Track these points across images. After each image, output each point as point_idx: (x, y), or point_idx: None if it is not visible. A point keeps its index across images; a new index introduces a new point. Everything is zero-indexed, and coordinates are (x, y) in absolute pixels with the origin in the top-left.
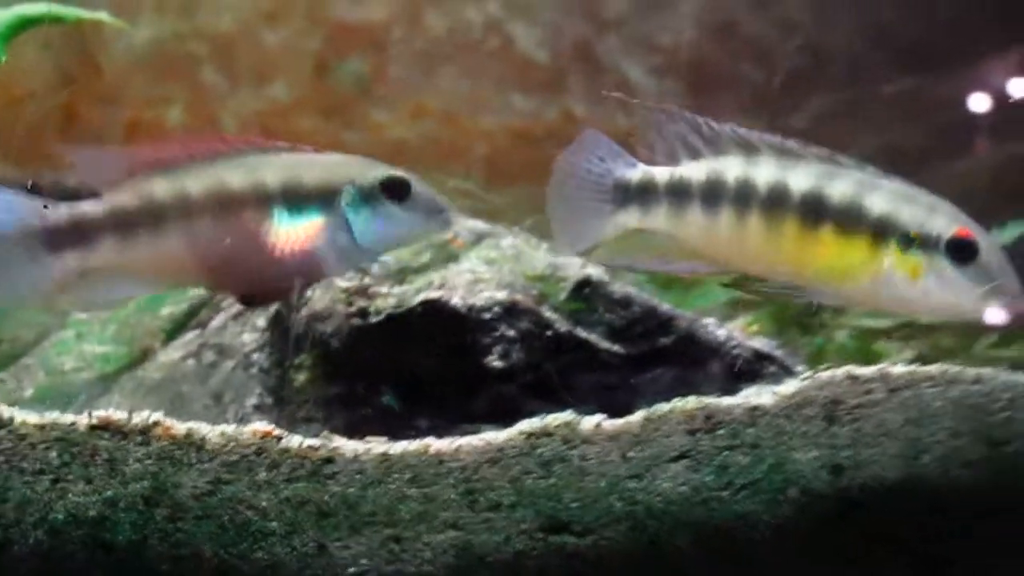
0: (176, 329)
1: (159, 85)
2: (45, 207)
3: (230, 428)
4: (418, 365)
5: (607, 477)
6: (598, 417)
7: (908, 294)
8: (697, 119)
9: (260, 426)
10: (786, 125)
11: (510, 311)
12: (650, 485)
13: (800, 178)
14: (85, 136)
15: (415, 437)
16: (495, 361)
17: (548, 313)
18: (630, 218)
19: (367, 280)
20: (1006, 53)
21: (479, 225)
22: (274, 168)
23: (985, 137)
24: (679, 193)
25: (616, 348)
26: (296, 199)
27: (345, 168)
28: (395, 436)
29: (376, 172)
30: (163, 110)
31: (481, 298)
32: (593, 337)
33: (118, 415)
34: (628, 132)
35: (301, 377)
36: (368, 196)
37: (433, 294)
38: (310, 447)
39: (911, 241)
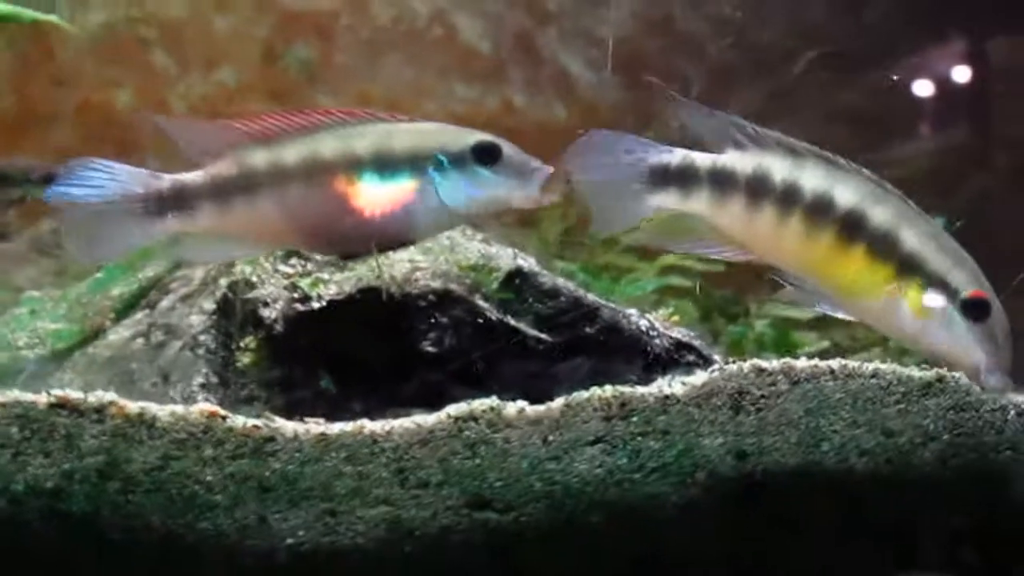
0: (126, 309)
1: (110, 68)
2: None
3: (180, 408)
4: (356, 350)
5: (528, 459)
6: (521, 403)
7: (909, 327)
8: (741, 120)
9: (207, 406)
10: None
11: (444, 299)
12: (568, 467)
13: (847, 193)
14: (37, 117)
15: (351, 419)
16: (429, 347)
17: (480, 302)
18: (669, 199)
19: (311, 267)
20: (929, 52)
21: None
22: (366, 136)
23: (908, 132)
24: (723, 181)
25: (542, 336)
26: (387, 164)
27: (436, 134)
28: (332, 417)
29: (467, 137)
30: (113, 93)
31: (417, 286)
32: (521, 325)
33: (75, 394)
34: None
35: (245, 359)
36: (458, 161)
37: (372, 281)
38: (253, 427)
39: (932, 284)
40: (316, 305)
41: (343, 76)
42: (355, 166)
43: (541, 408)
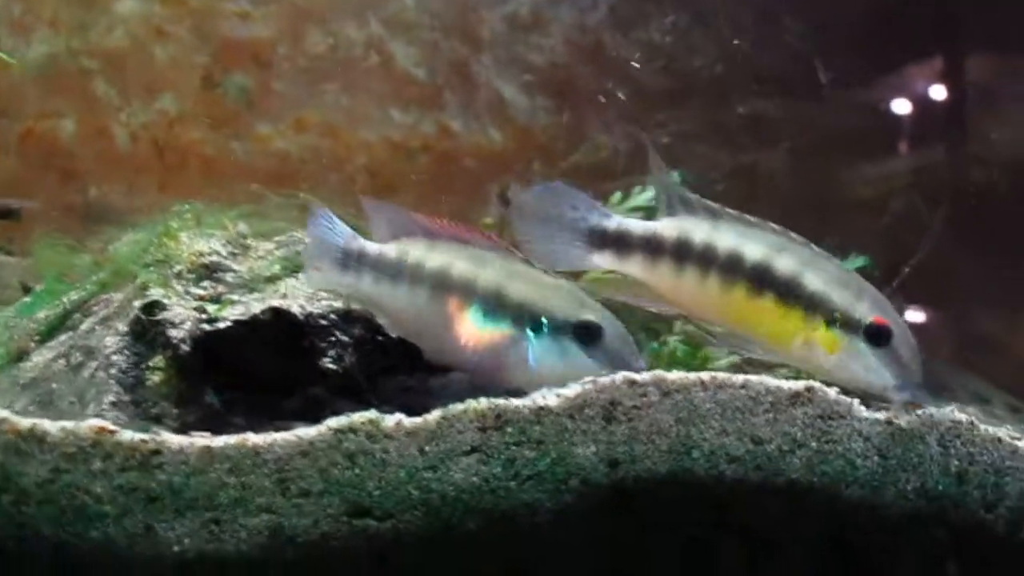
0: (50, 331)
1: (53, 98)
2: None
3: (69, 424)
4: (260, 368)
5: (406, 468)
6: (399, 415)
7: (826, 364)
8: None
9: (96, 422)
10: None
11: (345, 318)
12: (445, 476)
13: (753, 248)
14: None
15: (262, 432)
16: (329, 364)
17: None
18: (604, 260)
19: (222, 288)
20: (863, 79)
21: None
22: (492, 271)
23: (837, 156)
24: (653, 246)
25: None
26: (495, 306)
27: (550, 296)
28: (249, 431)
29: (577, 311)
30: (57, 123)
31: (319, 306)
32: None
33: None
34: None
35: (155, 378)
36: (558, 330)
37: (275, 302)
38: (141, 440)
39: (835, 320)
40: (222, 325)
41: (281, 103)
42: (470, 295)
43: (418, 420)
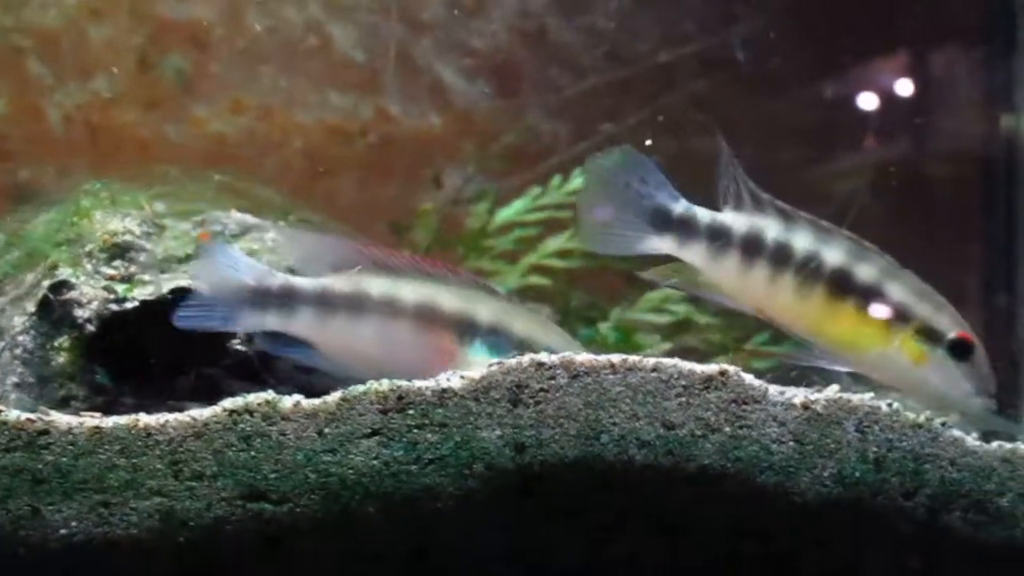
0: None
1: None
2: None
3: None
4: (166, 348)
5: (304, 451)
6: (297, 396)
7: (908, 375)
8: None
9: None
10: (593, 130)
11: None
12: (344, 459)
13: (834, 252)
14: None
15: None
16: (238, 345)
17: None
18: (664, 244)
19: (133, 268)
20: (808, 66)
21: (248, 219)
22: (487, 303)
23: (783, 143)
24: (719, 237)
25: None
26: (500, 342)
27: (550, 332)
28: (148, 412)
29: (570, 344)
30: None
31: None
32: None
33: None
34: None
35: (60, 359)
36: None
37: (182, 282)
38: (27, 420)
39: (921, 332)
40: (129, 305)
41: (218, 85)
42: (470, 331)
43: (317, 402)
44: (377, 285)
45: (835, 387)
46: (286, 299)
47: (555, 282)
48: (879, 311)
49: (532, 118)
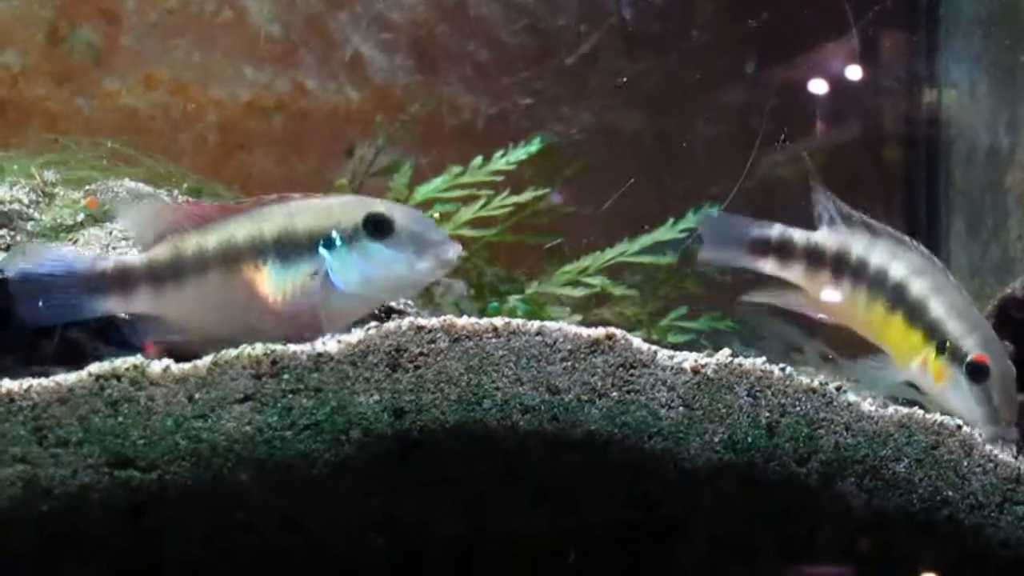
0: None
1: None
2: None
3: None
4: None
5: (173, 417)
6: (167, 361)
7: (935, 389)
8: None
9: None
10: (511, 103)
11: None
12: (215, 425)
13: (898, 266)
14: None
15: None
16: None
17: None
18: (767, 266)
19: (20, 237)
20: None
21: (141, 187)
22: (273, 217)
23: (703, 117)
24: (814, 256)
25: None
26: (288, 248)
27: (335, 210)
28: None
29: (360, 210)
30: None
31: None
32: None
33: None
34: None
35: None
36: (351, 238)
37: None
38: None
39: (944, 350)
40: (10, 274)
41: (130, 59)
42: (262, 254)
43: (187, 366)
44: (191, 243)
45: (726, 351)
46: (122, 279)
47: (471, 256)
48: (917, 325)
49: (450, 92)
